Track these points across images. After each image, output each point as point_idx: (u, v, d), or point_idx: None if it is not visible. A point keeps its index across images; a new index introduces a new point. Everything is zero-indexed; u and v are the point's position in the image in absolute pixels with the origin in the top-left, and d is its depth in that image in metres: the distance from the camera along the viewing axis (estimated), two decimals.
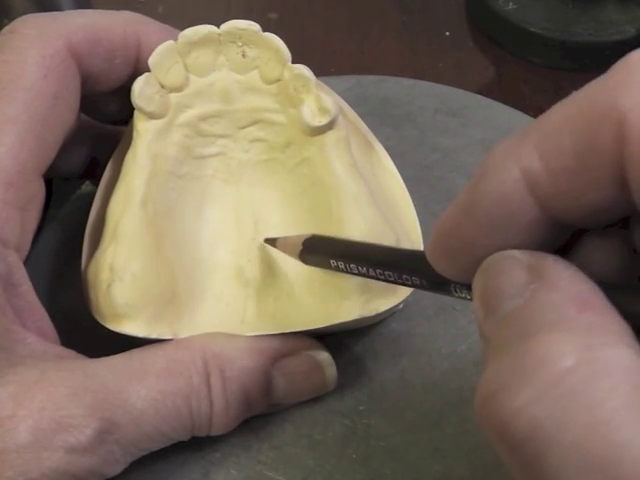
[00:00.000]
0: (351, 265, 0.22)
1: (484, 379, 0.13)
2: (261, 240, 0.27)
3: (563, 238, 0.16)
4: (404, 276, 0.20)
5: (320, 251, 0.24)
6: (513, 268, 0.14)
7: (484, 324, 0.15)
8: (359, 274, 0.22)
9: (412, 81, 0.39)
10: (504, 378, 0.13)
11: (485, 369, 0.14)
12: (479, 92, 0.39)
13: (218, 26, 0.26)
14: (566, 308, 0.13)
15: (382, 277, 0.21)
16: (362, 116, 0.30)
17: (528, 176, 0.14)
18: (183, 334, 0.25)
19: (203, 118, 0.27)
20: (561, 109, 0.14)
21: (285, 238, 0.26)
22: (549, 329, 0.13)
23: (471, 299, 0.16)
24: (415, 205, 0.29)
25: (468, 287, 0.16)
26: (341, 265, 0.23)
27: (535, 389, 0.12)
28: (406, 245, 0.27)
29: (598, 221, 0.15)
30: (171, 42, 0.26)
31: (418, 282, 0.20)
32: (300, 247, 0.25)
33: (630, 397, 0.12)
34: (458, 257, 0.16)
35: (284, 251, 0.26)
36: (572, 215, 0.14)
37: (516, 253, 0.15)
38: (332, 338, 0.28)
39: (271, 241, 0.27)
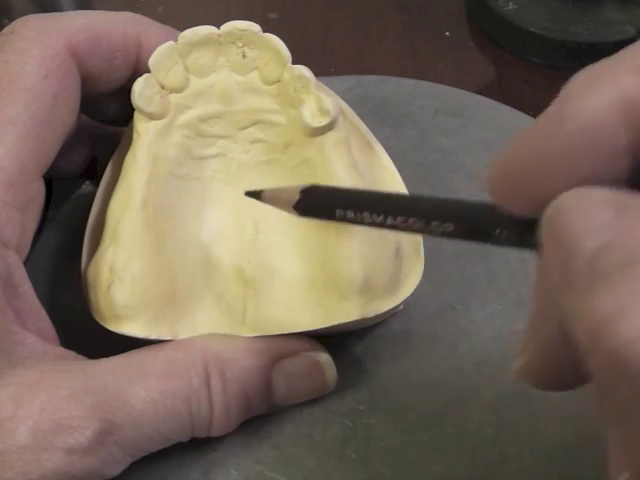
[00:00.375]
0: (364, 214, 0.19)
1: (593, 307, 0.12)
2: (261, 241, 0.27)
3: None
4: (433, 223, 0.18)
5: (323, 201, 0.21)
6: (598, 204, 0.13)
7: (567, 262, 0.13)
8: (373, 224, 0.19)
9: (412, 81, 0.39)
10: (621, 303, 0.12)
11: (588, 298, 0.12)
12: (479, 92, 0.39)
13: (218, 27, 0.26)
14: None
15: (403, 226, 0.18)
16: (362, 116, 0.30)
17: (627, 101, 0.13)
18: (183, 335, 0.25)
19: (203, 119, 0.27)
20: None
21: (276, 189, 0.23)
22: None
23: (513, 246, 0.15)
24: None
25: (515, 234, 0.15)
26: (350, 215, 0.20)
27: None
28: (406, 246, 0.27)
29: None
30: (171, 43, 0.26)
31: (451, 229, 0.17)
32: (297, 197, 0.22)
33: None
34: (529, 188, 0.14)
35: (273, 204, 0.23)
36: None
37: (597, 192, 0.13)
38: (332, 339, 0.28)
39: (253, 194, 0.24)
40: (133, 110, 0.26)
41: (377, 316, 0.26)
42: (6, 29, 0.26)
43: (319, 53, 0.45)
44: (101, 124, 0.31)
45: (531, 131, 0.14)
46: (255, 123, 0.28)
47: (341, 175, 0.26)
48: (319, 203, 0.22)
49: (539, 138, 0.14)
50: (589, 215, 0.13)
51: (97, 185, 0.28)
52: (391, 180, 0.29)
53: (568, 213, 0.13)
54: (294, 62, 0.26)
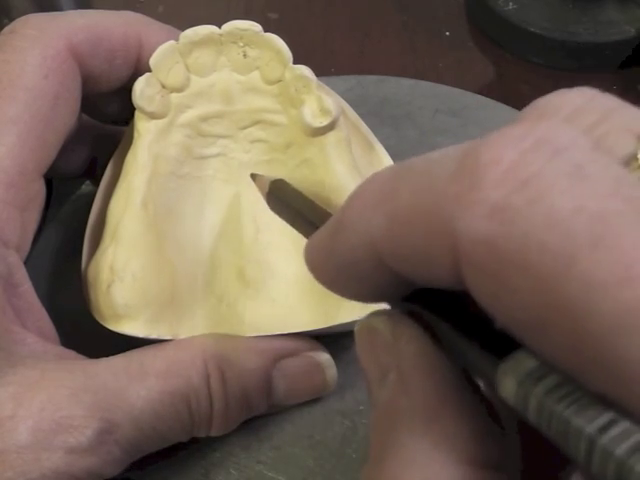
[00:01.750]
0: (309, 229, 0.20)
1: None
2: (261, 241, 0.27)
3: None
4: None
5: (284, 200, 0.23)
6: (377, 344, 0.15)
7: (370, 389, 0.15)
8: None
9: (412, 81, 0.39)
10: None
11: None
12: (479, 92, 0.39)
13: (219, 26, 0.26)
14: (415, 421, 0.13)
15: None
16: (362, 116, 0.30)
17: (376, 247, 0.14)
18: (183, 335, 0.25)
19: (204, 118, 0.27)
20: (412, 188, 0.13)
21: (261, 176, 0.25)
22: (395, 455, 0.13)
23: None
24: None
25: None
26: (300, 225, 0.21)
27: None
28: None
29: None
30: (172, 42, 0.26)
31: None
32: (267, 189, 0.23)
33: None
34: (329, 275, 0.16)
35: (259, 189, 0.24)
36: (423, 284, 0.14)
37: (378, 322, 0.15)
38: (332, 339, 0.28)
39: (253, 176, 0.25)
40: (134, 110, 0.26)
41: None
42: (6, 29, 0.26)
43: (319, 53, 0.45)
44: (102, 124, 0.31)
45: (321, 234, 0.16)
46: (256, 123, 0.28)
47: (342, 175, 0.26)
48: (281, 201, 0.23)
49: (321, 252, 0.16)
50: (371, 358, 0.16)
51: (97, 185, 0.28)
52: None
53: (359, 348, 0.16)
54: (294, 62, 0.26)
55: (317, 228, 0.18)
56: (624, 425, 0.11)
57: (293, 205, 0.22)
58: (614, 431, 0.10)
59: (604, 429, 0.11)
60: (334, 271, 0.15)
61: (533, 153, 0.12)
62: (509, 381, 0.12)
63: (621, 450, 0.10)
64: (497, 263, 0.11)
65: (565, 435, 0.11)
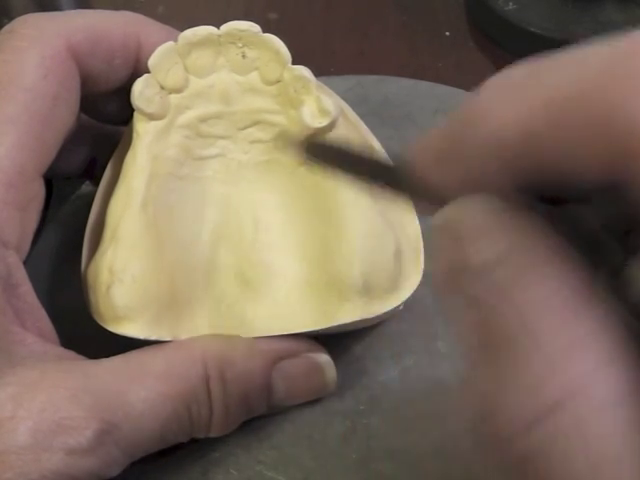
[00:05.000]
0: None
1: (478, 390, 0.12)
2: (261, 241, 0.27)
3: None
4: None
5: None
6: (485, 225, 0.13)
7: (452, 302, 0.13)
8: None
9: (412, 81, 0.39)
10: (499, 396, 0.12)
11: (472, 371, 0.12)
12: None
13: (218, 27, 0.26)
14: (550, 316, 0.11)
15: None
16: (362, 116, 0.30)
17: (514, 143, 0.12)
18: (183, 336, 0.25)
19: (203, 119, 0.27)
20: (571, 79, 0.12)
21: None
22: (533, 345, 0.11)
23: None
24: None
25: None
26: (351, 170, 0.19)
27: (529, 417, 0.11)
28: (406, 247, 0.27)
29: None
30: (171, 43, 0.26)
31: None
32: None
33: (623, 438, 0.11)
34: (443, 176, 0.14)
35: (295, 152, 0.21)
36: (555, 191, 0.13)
37: (489, 205, 0.13)
38: (332, 339, 0.28)
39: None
40: (133, 110, 0.26)
41: (377, 317, 0.26)
42: (5, 28, 0.26)
43: (319, 53, 0.45)
44: (101, 123, 0.31)
45: (440, 130, 0.14)
46: (255, 123, 0.27)
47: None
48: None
49: (440, 142, 0.14)
50: (473, 242, 0.13)
51: (97, 185, 0.28)
52: None
53: (451, 233, 0.13)
54: (294, 62, 0.26)
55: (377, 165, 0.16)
56: None
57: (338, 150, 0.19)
58: None
59: None
60: (452, 169, 0.13)
61: None
62: None
63: None
64: None
65: None
